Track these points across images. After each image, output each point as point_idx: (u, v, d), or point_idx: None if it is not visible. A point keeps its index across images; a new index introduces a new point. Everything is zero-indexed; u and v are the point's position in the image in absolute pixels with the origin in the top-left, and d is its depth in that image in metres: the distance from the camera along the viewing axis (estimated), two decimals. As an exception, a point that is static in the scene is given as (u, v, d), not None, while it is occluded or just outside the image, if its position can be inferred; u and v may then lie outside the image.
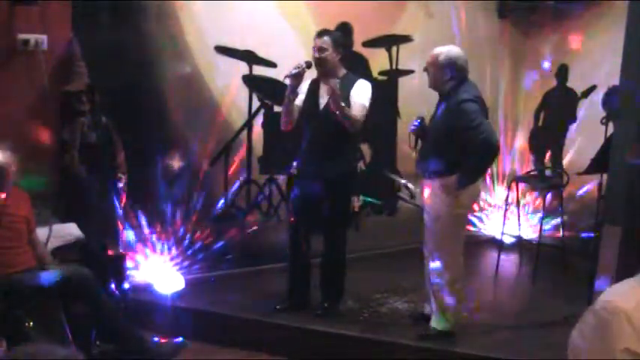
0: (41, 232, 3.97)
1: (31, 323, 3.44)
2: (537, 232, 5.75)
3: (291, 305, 4.38)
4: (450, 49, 3.90)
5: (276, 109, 5.49)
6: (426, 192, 3.99)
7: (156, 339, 4.00)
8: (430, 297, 4.22)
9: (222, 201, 5.41)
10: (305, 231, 4.32)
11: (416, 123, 3.99)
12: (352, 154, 4.38)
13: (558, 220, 5.63)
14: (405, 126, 4.16)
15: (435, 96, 4.03)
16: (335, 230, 4.32)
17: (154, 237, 4.84)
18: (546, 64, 6.47)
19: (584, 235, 5.32)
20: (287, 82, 4.09)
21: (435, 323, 4.02)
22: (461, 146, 3.81)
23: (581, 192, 5.91)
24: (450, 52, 3.87)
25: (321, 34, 4.15)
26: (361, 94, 4.14)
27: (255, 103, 5.67)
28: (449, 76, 3.84)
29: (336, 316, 4.34)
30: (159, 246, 4.84)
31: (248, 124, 5.43)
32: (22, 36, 4.25)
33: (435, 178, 3.90)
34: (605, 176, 3.71)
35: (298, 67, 4.05)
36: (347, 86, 4.12)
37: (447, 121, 3.87)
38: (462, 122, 3.77)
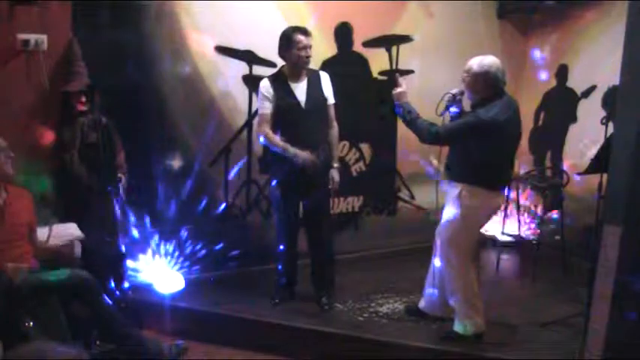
0: (41, 232, 3.97)
1: (31, 323, 3.43)
2: (537, 232, 5.76)
3: (284, 298, 4.61)
4: (483, 59, 3.80)
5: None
6: (450, 197, 3.99)
7: (156, 340, 4.01)
8: (437, 298, 4.26)
9: (222, 201, 5.40)
10: (295, 224, 4.52)
11: (454, 91, 3.92)
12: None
13: (558, 220, 5.64)
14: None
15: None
16: (325, 221, 4.53)
17: (154, 237, 4.84)
18: (546, 65, 6.46)
19: (584, 235, 5.31)
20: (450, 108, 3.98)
21: (457, 328, 4.06)
22: (476, 155, 3.81)
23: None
24: (482, 62, 3.79)
25: (307, 32, 4.31)
26: (331, 93, 4.44)
27: (256, 103, 5.65)
28: (479, 87, 3.79)
29: (336, 315, 4.38)
30: (159, 246, 4.84)
31: (248, 124, 5.42)
32: (22, 36, 4.26)
33: (460, 183, 3.90)
34: (605, 176, 3.70)
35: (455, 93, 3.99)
36: (316, 80, 4.39)
37: None
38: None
